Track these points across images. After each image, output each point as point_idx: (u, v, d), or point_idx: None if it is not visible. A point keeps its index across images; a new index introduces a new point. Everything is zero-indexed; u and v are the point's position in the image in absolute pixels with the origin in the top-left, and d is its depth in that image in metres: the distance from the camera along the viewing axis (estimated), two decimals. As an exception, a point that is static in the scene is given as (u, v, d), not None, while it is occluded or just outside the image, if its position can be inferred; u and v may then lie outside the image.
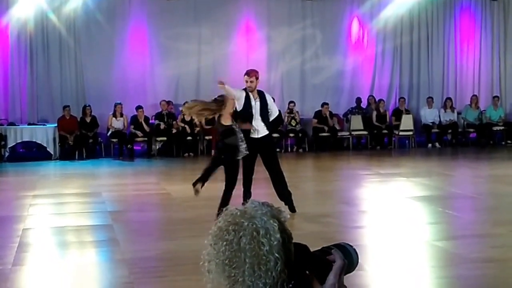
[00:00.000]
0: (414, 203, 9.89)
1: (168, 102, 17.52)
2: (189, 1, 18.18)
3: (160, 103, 17.37)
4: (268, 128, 9.04)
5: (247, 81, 8.98)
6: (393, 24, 19.30)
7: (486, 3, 19.84)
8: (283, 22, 18.74)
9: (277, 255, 1.99)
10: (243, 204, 2.09)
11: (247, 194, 8.91)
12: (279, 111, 9.63)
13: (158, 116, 17.30)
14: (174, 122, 17.19)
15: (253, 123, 8.87)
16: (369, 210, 9.48)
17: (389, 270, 6.40)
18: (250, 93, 8.96)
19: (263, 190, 9.50)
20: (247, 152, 8.62)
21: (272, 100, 9.40)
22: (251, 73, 8.98)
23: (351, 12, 19.17)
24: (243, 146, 8.57)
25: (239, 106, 8.87)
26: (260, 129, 8.92)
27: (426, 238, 7.62)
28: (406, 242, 7.49)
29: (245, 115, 8.84)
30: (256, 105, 8.95)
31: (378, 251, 7.24)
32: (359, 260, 2.18)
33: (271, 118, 9.23)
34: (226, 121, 8.65)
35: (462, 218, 9.00)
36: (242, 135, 8.62)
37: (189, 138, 17.14)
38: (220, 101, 8.69)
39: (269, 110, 9.11)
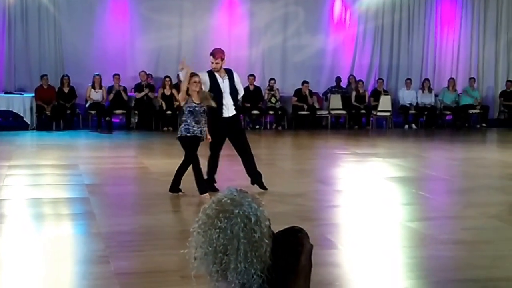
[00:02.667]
0: (389, 184, 10.01)
1: (148, 75, 17.46)
2: (171, -28, 18.08)
3: (139, 74, 17.31)
4: (236, 109, 9.11)
5: (212, 62, 8.99)
6: (375, 5, 19.35)
7: (467, -13, 19.96)
8: (266, -2, 18.70)
9: (267, 241, 2.05)
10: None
11: (212, 179, 8.97)
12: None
13: (137, 87, 17.22)
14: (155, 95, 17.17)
15: (223, 101, 8.91)
16: (345, 189, 9.58)
17: (362, 249, 6.51)
18: (216, 73, 8.97)
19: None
20: (201, 135, 8.62)
21: (239, 79, 9.39)
22: (216, 54, 8.98)
23: (334, -10, 19.18)
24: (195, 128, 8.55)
25: (207, 88, 8.88)
26: (229, 107, 8.98)
27: (399, 219, 7.74)
28: (379, 222, 7.60)
29: (214, 94, 8.87)
30: (224, 83, 8.99)
31: (351, 230, 7.35)
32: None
33: (238, 97, 9.28)
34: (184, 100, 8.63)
35: (434, 199, 9.14)
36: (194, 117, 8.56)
37: (168, 112, 17.12)
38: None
39: (236, 88, 9.15)
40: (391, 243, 6.76)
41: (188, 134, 8.61)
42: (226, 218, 2.03)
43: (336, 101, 18.37)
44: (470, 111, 19.01)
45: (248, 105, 17.31)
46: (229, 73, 9.14)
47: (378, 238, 6.94)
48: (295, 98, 17.95)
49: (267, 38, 18.81)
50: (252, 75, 17.73)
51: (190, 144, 8.66)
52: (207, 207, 2.10)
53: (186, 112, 8.63)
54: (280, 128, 17.85)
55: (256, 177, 9.09)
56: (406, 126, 18.55)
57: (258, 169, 9.15)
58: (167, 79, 17.33)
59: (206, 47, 18.25)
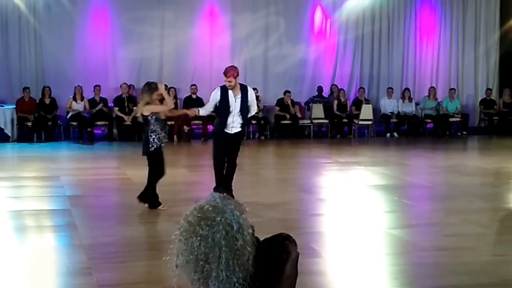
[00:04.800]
0: (371, 192, 10.05)
1: (130, 86, 17.41)
2: (152, -16, 18.07)
3: (120, 86, 17.25)
4: (242, 125, 9.12)
5: (225, 81, 9.02)
6: (355, 14, 19.45)
7: (446, -4, 20.14)
8: (247, 8, 18.74)
9: (249, 249, 2.03)
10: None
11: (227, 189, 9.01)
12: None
13: (117, 100, 17.13)
14: (134, 108, 17.09)
15: (229, 119, 8.96)
16: (328, 198, 9.60)
17: (346, 257, 6.52)
18: (230, 90, 8.99)
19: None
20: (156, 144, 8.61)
21: (254, 97, 9.41)
22: (228, 73, 9.01)
23: (314, 1, 19.26)
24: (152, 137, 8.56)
25: (218, 103, 8.98)
26: (235, 126, 9.02)
27: (382, 226, 7.77)
28: (362, 230, 7.63)
29: (222, 111, 8.90)
30: (236, 101, 9.00)
31: (335, 238, 7.37)
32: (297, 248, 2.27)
33: (249, 115, 9.36)
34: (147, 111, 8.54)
35: (417, 207, 9.18)
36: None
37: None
38: (151, 89, 8.53)
39: (248, 107, 9.15)
40: (374, 251, 6.78)
41: (162, 144, 8.58)
42: (207, 225, 2.01)
43: (318, 111, 18.43)
44: (451, 119, 19.14)
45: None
46: (243, 90, 9.12)
47: (361, 246, 6.96)
48: (278, 108, 17.99)
49: (248, 48, 18.85)
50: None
51: (162, 153, 8.59)
52: (189, 214, 2.08)
53: (153, 121, 8.54)
54: (263, 137, 17.87)
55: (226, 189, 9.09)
56: (388, 134, 18.64)
57: (236, 181, 9.12)
58: (149, 90, 17.26)
59: (188, 58, 18.44)
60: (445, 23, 20.20)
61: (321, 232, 7.66)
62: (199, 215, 2.04)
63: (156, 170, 8.70)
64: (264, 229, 3.07)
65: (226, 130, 9.01)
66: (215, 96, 9.03)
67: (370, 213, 8.58)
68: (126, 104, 17.08)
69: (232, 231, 2.01)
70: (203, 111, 9.49)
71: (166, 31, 18.28)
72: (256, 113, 10.05)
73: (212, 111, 9.26)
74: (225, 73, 9.03)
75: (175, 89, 17.58)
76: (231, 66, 9.37)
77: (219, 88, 9.12)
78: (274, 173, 10.17)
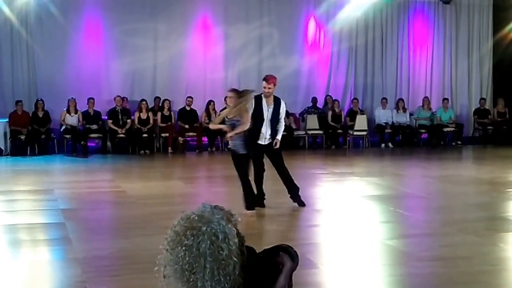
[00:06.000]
0: (367, 202, 10.03)
1: (123, 98, 17.38)
2: (145, -4, 18.08)
3: (114, 99, 17.21)
4: (271, 136, 9.14)
5: (264, 87, 9.05)
6: (349, 25, 19.49)
7: (439, 6, 20.19)
8: (240, 20, 18.76)
9: (235, 259, 2.01)
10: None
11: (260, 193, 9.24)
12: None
13: (111, 113, 17.10)
14: (128, 120, 17.06)
15: (262, 129, 8.97)
16: (323, 209, 9.57)
17: (342, 268, 6.49)
18: (264, 99, 8.97)
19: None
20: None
21: (285, 111, 9.42)
22: (270, 80, 9.07)
23: (308, 12, 19.30)
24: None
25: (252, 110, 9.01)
26: (266, 136, 9.03)
27: (378, 237, 7.74)
28: (358, 241, 7.60)
29: (255, 119, 8.88)
30: (268, 111, 9.00)
31: (331, 249, 7.34)
32: (299, 260, 2.25)
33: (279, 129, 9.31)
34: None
35: (412, 217, 9.16)
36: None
37: (145, 135, 17.05)
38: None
39: (279, 119, 9.20)
40: (370, 262, 6.75)
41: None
42: (193, 235, 2.00)
43: (312, 121, 18.43)
44: (445, 129, 19.17)
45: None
46: (276, 102, 9.13)
47: (358, 256, 6.93)
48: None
49: (242, 59, 18.85)
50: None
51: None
52: (176, 223, 2.07)
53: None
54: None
55: (293, 193, 9.38)
56: (383, 145, 18.64)
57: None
58: (143, 102, 17.30)
59: (181, 69, 18.43)
60: (438, 33, 20.26)
61: (317, 243, 7.63)
62: (185, 225, 2.04)
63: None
64: (260, 241, 3.06)
65: (260, 141, 9.00)
66: (251, 103, 8.98)
67: (366, 223, 8.55)
68: (119, 116, 17.04)
69: (217, 241, 2.00)
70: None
71: (159, 43, 18.28)
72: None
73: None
74: (266, 79, 9.08)
75: (169, 101, 17.57)
76: (271, 74, 9.39)
77: (253, 96, 9.06)
78: (270, 184, 10.13)
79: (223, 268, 1.99)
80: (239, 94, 8.92)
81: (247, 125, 8.74)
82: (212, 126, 10.31)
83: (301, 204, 9.36)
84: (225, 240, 2.01)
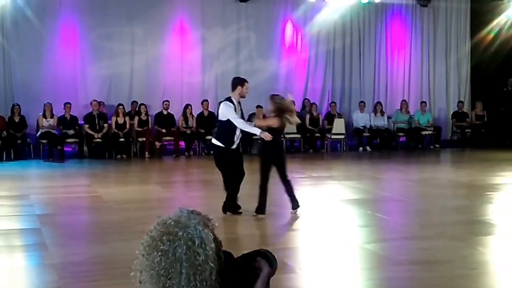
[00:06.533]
0: (345, 206, 10.02)
1: (100, 103, 17.26)
2: (122, 0, 17.96)
3: (91, 103, 17.08)
4: (241, 139, 9.19)
5: (245, 90, 8.98)
6: (326, 28, 19.52)
7: (417, 10, 20.29)
8: (217, 24, 18.73)
9: (211, 264, 1.98)
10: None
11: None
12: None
13: (88, 117, 16.96)
14: (105, 125, 16.94)
15: (237, 132, 8.93)
16: (301, 213, 9.54)
17: (321, 272, 6.46)
18: (235, 101, 8.93)
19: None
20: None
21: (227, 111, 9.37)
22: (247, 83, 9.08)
23: (285, 15, 19.31)
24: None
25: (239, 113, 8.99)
26: (238, 140, 9.01)
27: (356, 241, 7.72)
28: (337, 245, 7.58)
29: (230, 124, 8.87)
30: (238, 114, 9.01)
31: (310, 254, 7.31)
32: (277, 265, 2.23)
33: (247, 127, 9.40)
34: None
35: (391, 221, 9.16)
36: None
37: (121, 139, 16.94)
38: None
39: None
40: (349, 266, 6.73)
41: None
42: (169, 240, 1.98)
43: (290, 125, 18.36)
44: (423, 133, 19.25)
45: (203, 130, 17.26)
46: (240, 104, 9.13)
47: (336, 261, 6.91)
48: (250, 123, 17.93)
49: (219, 63, 18.80)
50: (205, 100, 17.72)
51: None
52: (152, 229, 2.04)
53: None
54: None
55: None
56: (361, 148, 18.68)
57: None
58: (120, 107, 17.19)
59: (158, 73, 18.34)
60: (416, 36, 20.36)
61: (295, 248, 7.60)
62: (161, 230, 2.01)
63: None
64: (237, 245, 3.01)
65: (233, 146, 9.02)
66: (231, 108, 8.88)
67: (344, 227, 8.54)
68: (96, 121, 16.92)
69: (193, 246, 1.97)
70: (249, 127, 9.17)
71: (136, 47, 18.18)
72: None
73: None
74: (247, 81, 8.97)
75: (146, 105, 17.48)
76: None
77: (227, 101, 8.99)
78: (247, 188, 10.08)
79: (200, 274, 1.97)
80: (273, 98, 9.22)
81: (271, 124, 8.99)
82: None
83: (237, 211, 9.17)
84: (201, 245, 1.98)
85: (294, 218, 9.25)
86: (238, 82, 9.13)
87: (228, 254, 2.17)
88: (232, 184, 9.07)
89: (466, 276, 6.23)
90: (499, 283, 6.22)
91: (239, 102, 9.12)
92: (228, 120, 8.90)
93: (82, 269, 6.53)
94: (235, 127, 8.92)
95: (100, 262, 6.83)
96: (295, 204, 9.23)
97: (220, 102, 9.32)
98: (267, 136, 8.80)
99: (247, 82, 9.17)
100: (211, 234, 2.03)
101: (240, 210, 9.06)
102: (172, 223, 2.02)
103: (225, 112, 9.00)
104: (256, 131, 9.16)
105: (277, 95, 9.58)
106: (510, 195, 11.23)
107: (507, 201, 10.57)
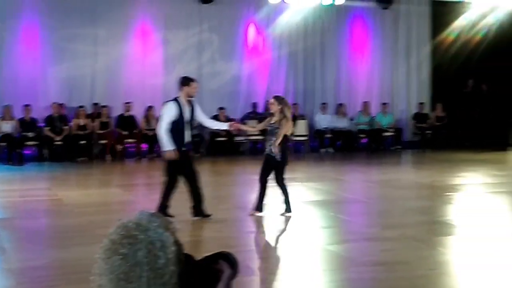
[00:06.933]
0: (308, 208, 10.03)
1: (60, 105, 17.05)
2: (84, 0, 17.75)
3: (51, 106, 16.86)
4: (191, 140, 8.99)
5: (196, 87, 8.86)
6: (289, 30, 19.55)
7: (378, 12, 20.43)
8: (179, 25, 18.63)
9: (172, 267, 1.96)
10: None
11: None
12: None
13: (48, 120, 16.73)
14: (65, 127, 16.72)
15: (185, 133, 8.76)
16: (264, 215, 9.53)
17: (283, 274, 6.45)
18: (183, 100, 8.79)
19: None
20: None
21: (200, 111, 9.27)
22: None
23: (248, 17, 19.29)
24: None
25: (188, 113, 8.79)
26: (189, 140, 8.84)
27: (319, 242, 7.73)
28: (299, 247, 7.57)
29: (178, 123, 8.69)
30: (188, 113, 8.83)
31: (272, 256, 7.29)
32: (239, 267, 2.21)
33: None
34: None
35: (353, 222, 9.20)
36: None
37: (82, 142, 16.74)
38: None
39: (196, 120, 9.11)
40: (312, 267, 6.72)
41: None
42: (129, 244, 1.94)
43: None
44: (384, 134, 19.41)
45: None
46: (191, 103, 8.96)
47: (298, 262, 6.90)
48: (212, 125, 17.88)
49: (182, 65, 18.68)
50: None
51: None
52: (112, 232, 2.00)
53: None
54: (198, 155, 17.71)
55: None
56: (323, 150, 18.75)
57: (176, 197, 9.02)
58: (81, 109, 17.01)
59: (120, 75, 18.18)
60: (377, 38, 20.50)
61: (257, 250, 7.58)
62: (122, 233, 1.97)
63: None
64: (199, 248, 2.98)
65: (183, 148, 8.83)
66: (169, 107, 8.77)
67: (307, 229, 8.55)
68: (57, 123, 16.70)
69: (154, 250, 1.93)
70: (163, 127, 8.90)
71: (98, 48, 17.99)
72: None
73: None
74: (196, 80, 8.96)
75: (107, 107, 17.32)
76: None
77: (171, 102, 8.87)
78: (209, 190, 10.06)
79: (160, 277, 1.94)
80: (281, 100, 9.45)
81: (285, 132, 9.29)
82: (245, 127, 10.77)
83: (205, 215, 9.05)
84: (162, 248, 1.95)
85: (257, 220, 9.23)
86: (184, 81, 8.96)
87: (189, 257, 2.14)
88: (166, 185, 8.91)
89: (427, 277, 6.27)
90: (459, 283, 6.28)
91: (189, 102, 8.96)
92: (174, 120, 8.76)
93: (41, 274, 6.43)
94: (183, 126, 8.79)
95: (59, 266, 6.73)
96: (288, 208, 9.38)
97: (165, 102, 9.19)
98: (237, 127, 9.15)
99: (195, 81, 9.01)
100: (171, 237, 2.00)
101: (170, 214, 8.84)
102: (133, 226, 1.98)
103: (162, 114, 8.93)
104: (224, 126, 9.75)
105: (283, 97, 9.88)
106: (470, 195, 11.37)
107: (467, 201, 10.70)
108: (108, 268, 1.94)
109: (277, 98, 9.61)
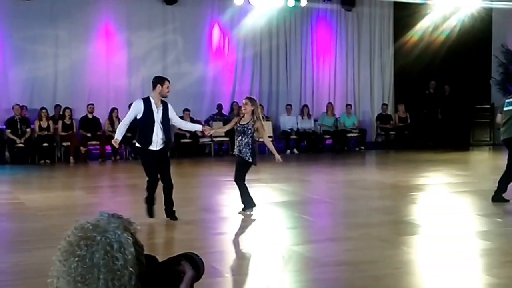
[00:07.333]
0: (273, 209, 10.04)
1: (22, 107, 16.82)
2: (45, 1, 17.54)
3: (12, 108, 16.62)
4: (165, 141, 8.81)
5: (168, 87, 8.76)
6: (253, 32, 19.56)
7: (341, 14, 20.55)
8: (143, 26, 18.52)
9: (131, 269, 1.93)
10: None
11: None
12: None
13: (9, 122, 16.50)
14: (28, 129, 16.51)
15: (154, 133, 8.63)
16: (230, 216, 9.52)
17: (249, 276, 6.44)
18: (153, 101, 8.67)
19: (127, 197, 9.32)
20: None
21: (174, 113, 9.16)
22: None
23: (212, 19, 19.26)
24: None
25: (139, 115, 8.63)
26: (158, 140, 8.68)
27: (284, 243, 7.73)
28: (264, 248, 7.57)
29: (146, 123, 8.56)
30: (158, 113, 8.71)
31: (238, 257, 7.28)
32: (205, 268, 2.20)
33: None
34: None
35: (317, 222, 9.23)
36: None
37: (45, 144, 16.54)
38: None
39: (170, 121, 8.95)
40: (276, 268, 6.72)
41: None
42: (86, 245, 1.91)
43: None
44: (349, 135, 19.53)
45: (130, 134, 16.98)
46: (164, 104, 8.85)
47: (264, 263, 6.90)
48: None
49: (146, 66, 18.57)
50: (132, 104, 17.47)
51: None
52: (70, 233, 1.96)
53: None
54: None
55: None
56: (288, 151, 18.79)
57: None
58: (43, 110, 16.80)
59: (83, 77, 18.00)
60: (341, 39, 20.61)
61: (223, 251, 7.55)
62: (79, 234, 1.93)
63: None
64: (164, 250, 2.95)
65: (152, 147, 8.69)
66: (138, 106, 8.64)
67: (272, 230, 8.55)
68: (18, 126, 16.48)
69: (112, 251, 1.91)
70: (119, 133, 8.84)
71: (60, 50, 17.80)
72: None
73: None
74: (167, 79, 8.86)
75: (70, 109, 17.14)
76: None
77: (141, 99, 8.78)
78: (175, 192, 10.00)
79: (118, 279, 1.91)
80: (254, 102, 9.51)
81: (266, 133, 9.46)
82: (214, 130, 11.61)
83: (174, 218, 8.98)
84: (120, 249, 1.92)
85: (222, 221, 9.21)
86: (157, 81, 8.90)
87: (152, 258, 2.12)
88: (147, 187, 8.83)
89: (391, 276, 6.30)
90: (423, 282, 6.33)
91: (162, 102, 8.88)
92: (141, 118, 8.68)
93: (2, 279, 6.33)
94: (152, 126, 8.70)
95: (21, 271, 6.62)
96: (246, 206, 9.50)
97: (130, 105, 9.13)
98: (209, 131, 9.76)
99: (168, 81, 8.95)
100: (130, 238, 1.97)
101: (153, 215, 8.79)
102: (90, 227, 1.95)
103: (129, 111, 8.86)
104: (197, 127, 10.01)
105: (255, 98, 9.97)
106: (434, 195, 11.48)
107: (430, 201, 10.80)
108: (66, 270, 1.91)
109: (250, 99, 9.64)
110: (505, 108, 10.24)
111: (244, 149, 9.41)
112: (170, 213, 8.96)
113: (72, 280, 1.91)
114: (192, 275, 2.16)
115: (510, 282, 6.09)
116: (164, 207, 8.97)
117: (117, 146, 8.83)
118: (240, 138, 9.38)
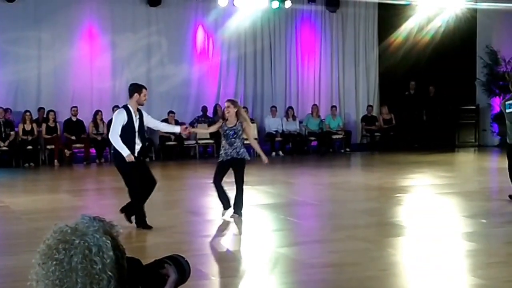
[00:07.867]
0: (259, 211, 10.03)
1: (6, 110, 16.71)
2: (28, 3, 17.43)
3: (-4, 111, 16.53)
4: (141, 147, 8.77)
5: (145, 95, 8.71)
6: (238, 33, 19.55)
7: (326, 15, 20.58)
8: (127, 28, 18.45)
9: (110, 273, 1.93)
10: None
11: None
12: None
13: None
14: (11, 132, 16.40)
15: (136, 140, 8.61)
16: (215, 219, 9.50)
17: (235, 278, 6.43)
18: (132, 109, 8.61)
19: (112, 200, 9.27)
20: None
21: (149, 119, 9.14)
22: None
23: (196, 20, 19.22)
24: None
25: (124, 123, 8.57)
26: (138, 147, 8.63)
27: (270, 245, 7.74)
28: (250, 250, 7.57)
29: (128, 131, 8.55)
30: (137, 122, 8.67)
31: (223, 260, 7.27)
32: (191, 271, 2.19)
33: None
34: None
35: (303, 224, 9.24)
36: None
37: (29, 147, 16.45)
38: None
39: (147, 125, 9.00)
40: (263, 270, 6.72)
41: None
42: (64, 249, 1.91)
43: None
44: (334, 137, 19.56)
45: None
46: (140, 111, 8.80)
47: (250, 266, 6.89)
48: (162, 129, 17.77)
49: (130, 69, 18.51)
50: (116, 106, 17.37)
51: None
52: (49, 236, 1.95)
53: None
54: (148, 159, 17.56)
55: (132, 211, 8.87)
56: (273, 153, 18.79)
57: (120, 205, 8.90)
58: (27, 113, 16.71)
59: (67, 79, 17.92)
60: (326, 41, 20.63)
61: (209, 254, 7.55)
62: (58, 238, 1.93)
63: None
64: (149, 253, 2.94)
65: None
66: (122, 115, 8.61)
67: (258, 232, 8.55)
68: (2, 129, 16.38)
69: (90, 255, 1.90)
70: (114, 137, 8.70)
71: (43, 52, 17.69)
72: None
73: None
74: (146, 87, 8.90)
75: (54, 112, 17.05)
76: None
77: (123, 108, 8.72)
78: (160, 195, 9.97)
79: (97, 283, 1.91)
80: (236, 104, 9.58)
81: (252, 134, 9.24)
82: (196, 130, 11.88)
83: (129, 220, 8.80)
84: (99, 253, 1.92)
85: (208, 223, 9.19)
86: (134, 89, 8.77)
87: (136, 261, 2.12)
88: (134, 195, 8.75)
89: (377, 278, 6.32)
90: (409, 283, 6.35)
91: (138, 110, 8.82)
92: (125, 126, 8.60)
93: (-13, 283, 6.28)
94: (133, 134, 8.65)
95: (5, 274, 6.59)
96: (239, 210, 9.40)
97: (114, 107, 9.10)
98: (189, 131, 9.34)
99: (146, 88, 8.86)
100: (109, 242, 1.96)
101: (149, 225, 8.71)
102: (69, 230, 1.95)
103: (113, 120, 8.75)
104: (177, 129, 10.14)
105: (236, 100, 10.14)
106: (419, 197, 11.53)
107: (416, 203, 10.84)
108: (44, 273, 1.91)
109: (232, 101, 9.68)
110: (508, 110, 10.26)
111: (241, 150, 9.47)
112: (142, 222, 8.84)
113: (51, 284, 1.90)
114: (176, 279, 2.16)
115: (494, 283, 6.13)
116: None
117: (133, 159, 8.62)
118: (234, 140, 9.35)
